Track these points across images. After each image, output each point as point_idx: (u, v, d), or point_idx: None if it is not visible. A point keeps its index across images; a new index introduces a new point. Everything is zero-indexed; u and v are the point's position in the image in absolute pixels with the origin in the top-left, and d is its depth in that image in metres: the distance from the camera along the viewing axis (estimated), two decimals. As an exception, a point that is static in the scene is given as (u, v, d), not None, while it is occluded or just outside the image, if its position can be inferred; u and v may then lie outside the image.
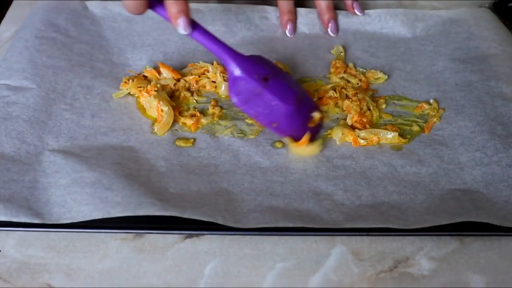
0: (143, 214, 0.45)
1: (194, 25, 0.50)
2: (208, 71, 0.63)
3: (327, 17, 0.69)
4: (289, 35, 0.70)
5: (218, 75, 0.62)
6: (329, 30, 0.70)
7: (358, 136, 0.56)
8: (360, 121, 0.57)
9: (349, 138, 0.56)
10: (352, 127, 0.57)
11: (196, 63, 0.65)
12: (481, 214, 0.47)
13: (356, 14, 0.70)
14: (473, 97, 0.60)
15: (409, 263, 0.46)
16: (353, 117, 0.57)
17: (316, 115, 0.56)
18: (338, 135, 0.56)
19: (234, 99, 0.53)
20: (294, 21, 0.70)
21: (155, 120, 0.58)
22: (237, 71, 0.52)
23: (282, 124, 0.54)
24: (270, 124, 0.54)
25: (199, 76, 0.63)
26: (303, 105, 0.55)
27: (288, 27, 0.70)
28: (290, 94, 0.54)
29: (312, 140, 0.55)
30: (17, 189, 0.48)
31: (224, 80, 0.62)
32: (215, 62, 0.64)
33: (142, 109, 0.59)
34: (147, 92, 0.58)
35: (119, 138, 0.55)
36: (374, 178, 0.52)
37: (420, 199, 0.49)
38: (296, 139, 0.55)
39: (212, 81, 0.62)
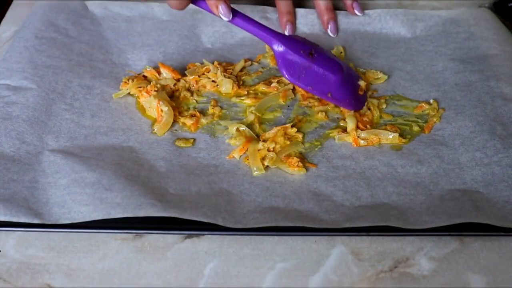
0: (143, 215, 0.45)
1: (234, 12, 0.54)
2: (209, 71, 0.63)
3: (326, 17, 0.69)
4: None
5: (219, 73, 0.62)
6: (328, 30, 0.70)
7: (359, 136, 0.56)
8: (361, 121, 0.57)
9: (349, 138, 0.56)
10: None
11: (196, 63, 0.65)
12: (481, 215, 0.47)
13: (356, 14, 0.70)
14: (473, 97, 0.60)
15: (409, 263, 0.46)
16: (350, 125, 0.57)
17: (362, 82, 0.60)
18: (338, 135, 0.56)
19: (288, 77, 0.56)
20: (293, 21, 0.70)
21: (155, 120, 0.58)
22: (285, 50, 0.56)
23: (336, 93, 0.58)
24: (325, 94, 0.57)
25: (199, 76, 0.63)
26: (349, 75, 0.59)
27: (288, 28, 0.70)
28: (335, 65, 0.58)
29: (362, 106, 0.60)
30: (17, 189, 0.48)
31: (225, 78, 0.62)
32: (215, 62, 0.64)
33: (142, 109, 0.59)
34: (147, 92, 0.58)
35: (119, 138, 0.55)
36: (374, 178, 0.52)
37: (420, 200, 0.49)
38: (351, 106, 0.59)
39: (212, 81, 0.62)
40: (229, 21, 0.54)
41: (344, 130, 0.57)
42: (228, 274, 0.45)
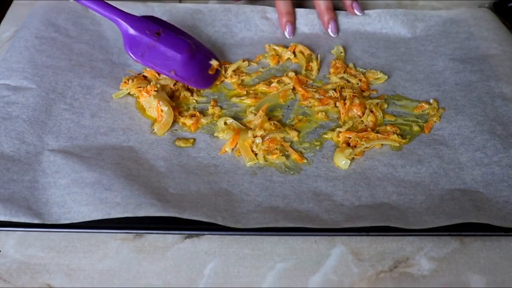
0: (142, 215, 0.45)
1: None
2: None
3: (327, 18, 0.69)
4: (288, 37, 0.70)
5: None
6: (329, 31, 0.70)
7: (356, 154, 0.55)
8: (358, 131, 0.57)
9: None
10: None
11: None
12: (481, 215, 0.47)
13: (355, 14, 0.70)
14: (473, 97, 0.60)
15: (409, 263, 0.46)
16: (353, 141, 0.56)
17: (214, 62, 0.63)
18: (337, 138, 0.56)
19: (131, 55, 0.59)
20: (293, 22, 0.70)
21: (155, 120, 0.58)
22: (129, 30, 0.59)
23: (179, 71, 0.60)
24: (169, 72, 0.60)
25: None
26: (198, 54, 0.62)
27: (287, 28, 0.70)
28: (183, 44, 0.61)
29: (211, 85, 0.63)
30: (17, 189, 0.48)
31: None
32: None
33: (142, 109, 0.59)
34: (147, 92, 0.58)
35: (118, 138, 0.55)
36: (374, 178, 0.52)
37: (420, 200, 0.49)
38: (197, 84, 0.62)
39: None
40: (76, 1, 0.56)
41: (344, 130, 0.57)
42: (228, 274, 0.45)
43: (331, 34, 0.70)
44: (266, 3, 0.73)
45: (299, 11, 0.71)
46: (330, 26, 0.70)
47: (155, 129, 0.56)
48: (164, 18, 0.70)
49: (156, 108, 0.57)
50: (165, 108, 0.57)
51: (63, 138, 0.54)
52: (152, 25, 0.60)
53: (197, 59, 0.62)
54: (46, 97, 0.58)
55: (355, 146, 0.55)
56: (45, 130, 0.54)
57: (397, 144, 0.55)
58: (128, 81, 0.60)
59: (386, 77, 0.64)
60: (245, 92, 0.62)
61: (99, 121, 0.57)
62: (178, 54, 0.60)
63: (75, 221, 0.46)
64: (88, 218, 0.46)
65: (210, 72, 0.63)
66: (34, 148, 0.52)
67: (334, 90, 0.61)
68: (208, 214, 0.46)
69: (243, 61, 0.66)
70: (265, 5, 0.72)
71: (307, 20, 0.71)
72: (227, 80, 0.64)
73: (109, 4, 0.58)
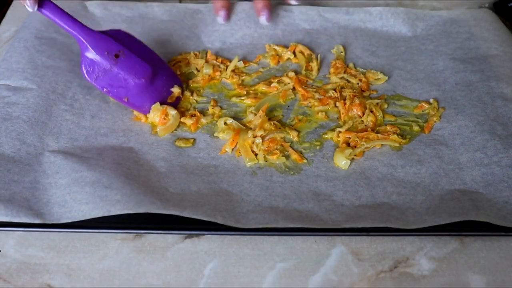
0: (142, 211, 0.45)
1: (44, 2, 0.52)
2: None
3: (260, 5, 0.67)
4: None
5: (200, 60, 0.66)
6: (263, 18, 0.68)
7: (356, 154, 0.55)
8: (359, 132, 0.57)
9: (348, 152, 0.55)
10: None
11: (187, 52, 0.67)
12: (481, 214, 0.47)
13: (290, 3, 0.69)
14: (474, 97, 0.60)
15: (409, 263, 0.46)
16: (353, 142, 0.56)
17: (175, 90, 0.60)
18: (337, 138, 0.56)
19: (85, 75, 0.55)
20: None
21: (155, 125, 0.57)
22: (87, 49, 0.54)
23: (133, 99, 0.57)
24: (121, 99, 0.56)
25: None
26: (159, 80, 0.58)
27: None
28: (142, 69, 0.56)
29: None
30: (18, 190, 0.48)
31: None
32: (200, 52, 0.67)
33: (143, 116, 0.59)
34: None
35: (119, 139, 0.55)
36: (374, 178, 0.52)
37: (420, 200, 0.49)
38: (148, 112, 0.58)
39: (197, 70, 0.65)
40: (38, 11, 0.52)
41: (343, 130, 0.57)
42: (228, 274, 0.45)
43: (265, 22, 0.68)
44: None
45: (300, 8, 0.71)
46: (263, 13, 0.67)
47: (158, 130, 0.56)
48: (164, 18, 0.70)
49: (160, 113, 0.57)
50: (173, 112, 0.57)
51: (64, 139, 0.54)
52: (113, 45, 0.55)
53: (156, 86, 0.58)
54: (47, 97, 0.58)
55: (355, 146, 0.55)
56: (46, 131, 0.54)
57: (397, 144, 0.55)
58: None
59: (386, 77, 0.64)
60: (245, 92, 0.62)
61: (99, 122, 0.57)
62: (134, 80, 0.56)
63: (76, 220, 0.46)
64: (89, 216, 0.46)
65: (169, 101, 0.59)
66: (35, 149, 0.53)
67: (334, 90, 0.61)
68: (208, 213, 0.46)
69: (239, 60, 0.65)
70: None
71: (307, 17, 0.71)
72: (227, 80, 0.64)
73: (73, 19, 0.54)
